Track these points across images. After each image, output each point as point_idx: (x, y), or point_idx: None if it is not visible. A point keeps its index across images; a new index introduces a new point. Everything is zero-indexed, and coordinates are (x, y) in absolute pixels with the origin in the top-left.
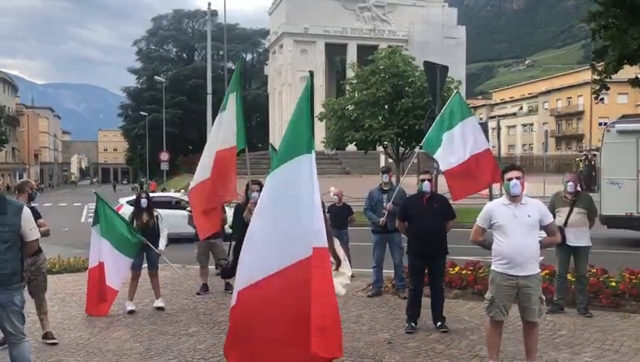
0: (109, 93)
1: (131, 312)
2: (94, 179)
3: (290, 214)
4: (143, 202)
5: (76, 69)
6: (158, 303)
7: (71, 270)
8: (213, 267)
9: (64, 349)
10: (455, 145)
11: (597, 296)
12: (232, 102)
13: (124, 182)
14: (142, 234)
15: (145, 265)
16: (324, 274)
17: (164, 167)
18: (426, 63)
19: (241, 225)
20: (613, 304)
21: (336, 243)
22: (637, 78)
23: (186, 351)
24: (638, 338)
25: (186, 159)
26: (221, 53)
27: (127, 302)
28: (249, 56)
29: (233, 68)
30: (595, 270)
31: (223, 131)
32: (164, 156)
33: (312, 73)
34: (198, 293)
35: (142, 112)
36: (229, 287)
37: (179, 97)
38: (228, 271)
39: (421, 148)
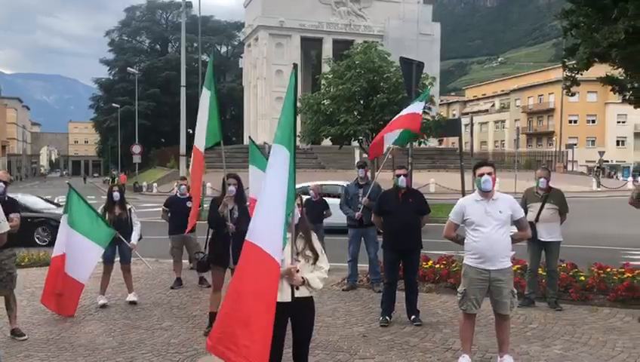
0: (80, 85)
1: (103, 306)
2: (64, 172)
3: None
4: (115, 195)
5: (46, 59)
6: (131, 297)
7: (40, 264)
8: (187, 261)
9: (34, 344)
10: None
11: (567, 290)
12: (204, 100)
13: (95, 175)
14: (114, 227)
15: (117, 258)
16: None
17: (137, 159)
18: (402, 59)
19: (216, 219)
20: (583, 298)
21: (314, 236)
22: (607, 75)
23: (160, 345)
24: (605, 331)
25: (159, 152)
26: (195, 45)
27: (99, 296)
28: (224, 49)
29: (207, 60)
30: (565, 265)
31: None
32: (137, 149)
33: (295, 66)
34: (171, 287)
35: (114, 104)
36: (203, 281)
37: (152, 89)
38: (203, 265)
39: (393, 143)
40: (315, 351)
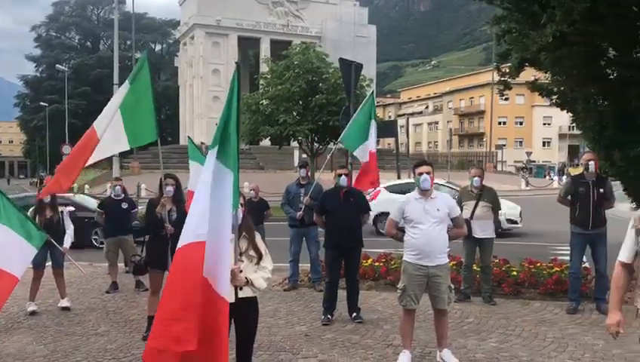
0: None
1: (33, 313)
2: None
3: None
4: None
5: None
6: (64, 303)
7: None
8: (123, 264)
9: None
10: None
11: (500, 284)
12: (122, 91)
13: (21, 176)
14: (45, 230)
15: (49, 263)
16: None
17: None
18: (341, 60)
19: (154, 220)
20: (515, 292)
21: (258, 236)
22: (535, 80)
23: (95, 351)
24: (537, 323)
25: None
26: (129, 42)
27: (29, 303)
28: (158, 47)
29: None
30: (498, 260)
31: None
32: (67, 149)
33: (238, 65)
34: (107, 292)
35: (42, 103)
36: (140, 285)
37: (83, 88)
38: (140, 268)
39: (336, 143)
40: (257, 351)
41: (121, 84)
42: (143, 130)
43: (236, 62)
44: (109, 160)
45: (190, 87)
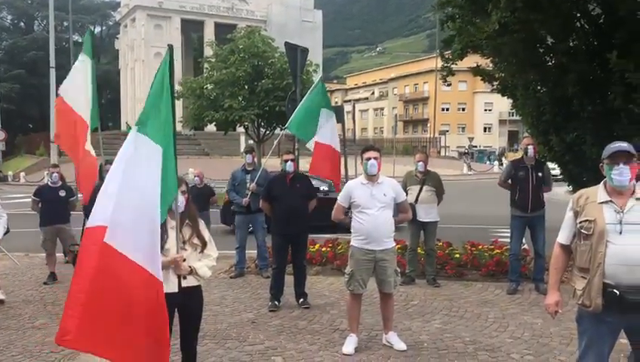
0: None
1: None
2: None
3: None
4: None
5: None
6: None
7: None
8: (62, 254)
9: None
10: (324, 132)
11: (443, 267)
12: (85, 67)
13: None
14: None
15: None
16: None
17: (0, 147)
18: (287, 44)
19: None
20: (458, 274)
21: (202, 224)
22: (478, 66)
23: (32, 345)
24: (479, 304)
25: (27, 138)
26: (65, 24)
27: None
28: (98, 29)
29: (80, 41)
30: (441, 243)
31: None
32: (0, 135)
33: (171, 47)
34: (45, 283)
35: None
36: None
37: (16, 70)
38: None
39: (283, 129)
40: (203, 340)
41: (57, 67)
42: (93, 113)
43: (169, 45)
44: (47, 145)
45: (132, 71)
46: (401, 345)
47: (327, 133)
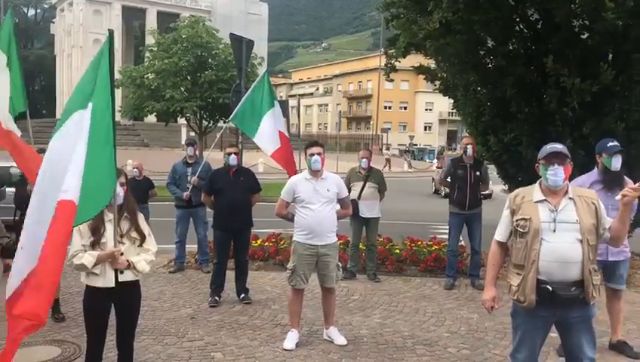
0: None
1: None
2: None
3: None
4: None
5: None
6: None
7: None
8: None
9: None
10: (270, 131)
11: (384, 262)
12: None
13: None
14: None
15: None
16: (61, 230)
17: None
18: (232, 36)
19: (26, 199)
20: (398, 269)
21: (141, 217)
22: (421, 65)
23: None
24: (417, 299)
25: None
26: None
27: None
28: (32, 12)
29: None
30: (382, 239)
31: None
32: None
33: (111, 32)
34: None
35: None
36: (9, 269)
37: None
38: (9, 251)
39: (226, 122)
40: (140, 336)
41: None
42: (14, 100)
43: (109, 30)
44: None
45: (69, 57)
46: (341, 340)
47: (281, 123)
